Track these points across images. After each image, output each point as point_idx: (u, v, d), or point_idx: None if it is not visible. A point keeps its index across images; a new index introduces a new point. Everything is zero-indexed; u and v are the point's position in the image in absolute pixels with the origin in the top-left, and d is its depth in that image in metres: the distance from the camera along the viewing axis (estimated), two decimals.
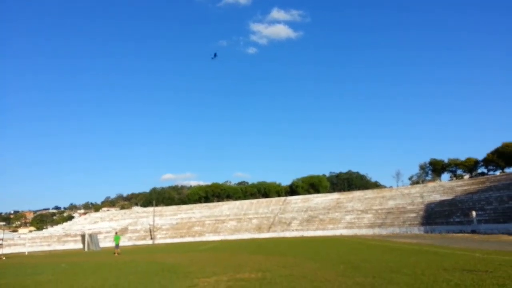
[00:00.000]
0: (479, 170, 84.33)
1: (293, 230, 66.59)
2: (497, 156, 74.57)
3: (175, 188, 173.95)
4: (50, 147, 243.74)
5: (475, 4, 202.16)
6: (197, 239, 68.65)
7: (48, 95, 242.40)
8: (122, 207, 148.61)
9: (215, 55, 69.72)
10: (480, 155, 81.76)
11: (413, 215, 58.88)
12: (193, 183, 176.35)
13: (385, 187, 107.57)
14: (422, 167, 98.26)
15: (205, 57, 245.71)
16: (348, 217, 66.53)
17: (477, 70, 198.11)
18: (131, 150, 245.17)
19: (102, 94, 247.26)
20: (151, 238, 71.27)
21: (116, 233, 40.70)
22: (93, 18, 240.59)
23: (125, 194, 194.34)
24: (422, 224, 54.32)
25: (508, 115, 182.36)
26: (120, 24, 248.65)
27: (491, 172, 78.65)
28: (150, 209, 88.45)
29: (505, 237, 31.18)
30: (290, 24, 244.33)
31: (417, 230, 52.76)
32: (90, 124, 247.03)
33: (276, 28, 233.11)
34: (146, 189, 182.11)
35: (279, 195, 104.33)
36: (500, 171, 75.95)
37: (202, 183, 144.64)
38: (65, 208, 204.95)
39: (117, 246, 33.39)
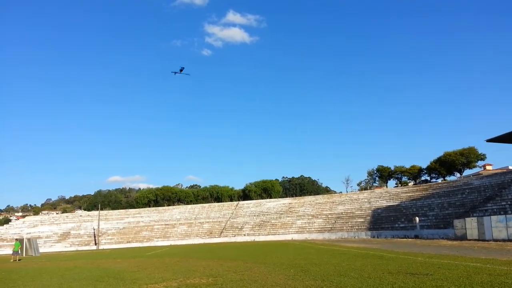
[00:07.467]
0: (423, 178, 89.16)
1: (244, 235, 66.70)
2: (439, 165, 79.53)
3: (122, 191, 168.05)
4: None
5: None
6: (145, 244, 66.76)
7: None
8: (64, 211, 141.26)
9: (181, 70, 63.18)
10: (424, 163, 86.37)
11: (361, 220, 61.03)
12: (142, 186, 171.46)
13: (335, 192, 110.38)
14: (370, 174, 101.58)
15: (157, 55, 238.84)
16: (299, 222, 67.72)
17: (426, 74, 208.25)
18: (75, 150, 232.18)
19: (47, 91, 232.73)
20: (95, 244, 68.37)
21: (16, 239, 40.26)
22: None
23: (67, 197, 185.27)
24: (369, 229, 56.45)
25: (450, 125, 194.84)
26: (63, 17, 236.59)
27: (433, 180, 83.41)
28: (95, 212, 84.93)
29: (444, 242, 33.23)
30: (246, 28, 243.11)
31: (364, 235, 54.78)
32: (32, 120, 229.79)
33: (231, 31, 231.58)
34: (91, 191, 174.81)
35: (231, 200, 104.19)
36: (442, 179, 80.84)
37: (151, 186, 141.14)
38: (0, 211, 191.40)
39: (15, 252, 33.40)
